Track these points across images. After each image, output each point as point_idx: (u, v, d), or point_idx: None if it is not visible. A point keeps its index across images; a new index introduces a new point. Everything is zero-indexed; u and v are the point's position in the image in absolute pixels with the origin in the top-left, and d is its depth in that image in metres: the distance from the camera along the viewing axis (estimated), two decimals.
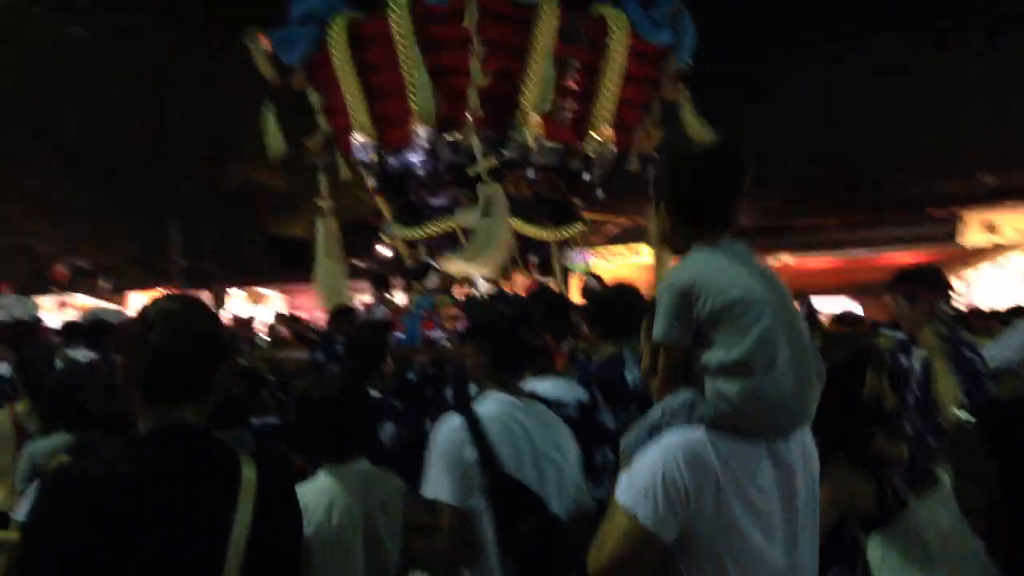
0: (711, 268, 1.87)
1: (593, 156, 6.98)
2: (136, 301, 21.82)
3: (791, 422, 1.86)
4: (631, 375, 3.28)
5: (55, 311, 22.19)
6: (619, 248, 16.84)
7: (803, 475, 1.89)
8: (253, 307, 20.40)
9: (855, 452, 2.73)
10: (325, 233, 7.13)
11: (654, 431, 1.89)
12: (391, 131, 6.81)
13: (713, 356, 1.83)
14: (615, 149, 7.11)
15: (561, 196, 7.15)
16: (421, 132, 6.44)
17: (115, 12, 16.40)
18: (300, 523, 1.93)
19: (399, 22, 6.25)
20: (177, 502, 1.66)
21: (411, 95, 6.37)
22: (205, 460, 1.75)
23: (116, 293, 22.97)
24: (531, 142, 6.39)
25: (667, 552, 1.78)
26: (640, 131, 7.28)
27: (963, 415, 3.20)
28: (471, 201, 6.40)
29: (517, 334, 2.77)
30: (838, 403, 3.24)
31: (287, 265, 17.48)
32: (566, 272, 7.27)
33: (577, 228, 7.15)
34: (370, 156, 6.96)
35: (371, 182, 7.08)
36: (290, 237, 17.20)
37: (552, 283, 6.77)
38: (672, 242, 1.99)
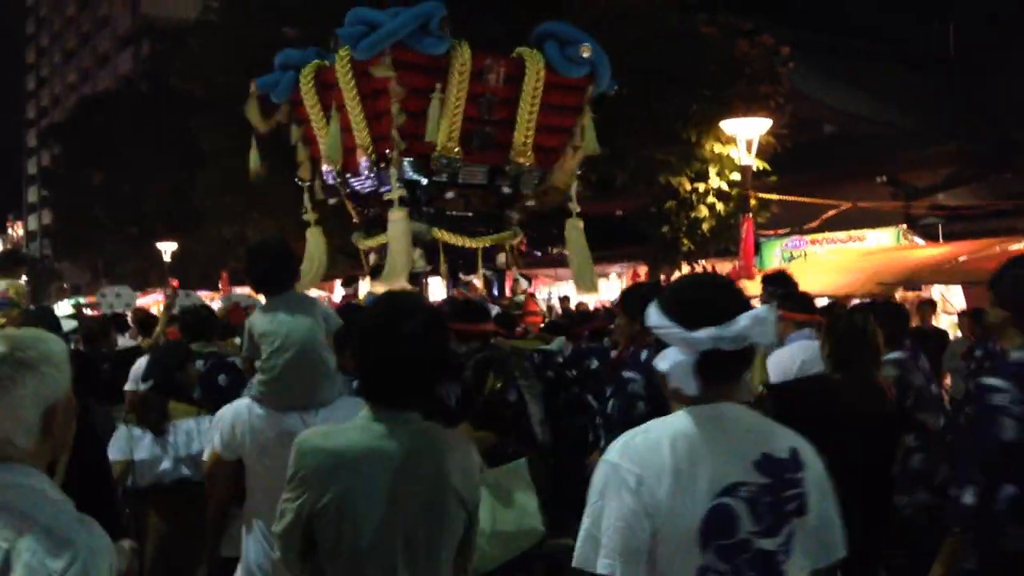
0: (264, 315, 3.48)
1: (520, 175, 8.24)
2: (339, 287, 22.86)
3: (299, 402, 3.33)
4: None
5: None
6: (838, 234, 15.45)
7: None
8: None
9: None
10: (313, 241, 8.71)
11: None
12: (352, 159, 8.30)
13: (259, 362, 3.41)
14: (537, 168, 8.36)
15: (495, 209, 8.48)
16: (364, 162, 7.92)
17: (323, 15, 17.53)
18: (101, 446, 3.52)
19: (342, 72, 7.72)
20: None
21: (356, 131, 7.86)
22: None
23: (323, 280, 24.11)
24: (454, 166, 7.74)
25: (236, 466, 3.36)
26: (565, 151, 8.51)
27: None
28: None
29: None
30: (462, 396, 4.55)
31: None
32: (502, 274, 8.59)
33: (505, 236, 8.46)
34: (335, 180, 8.48)
35: (331, 201, 8.62)
36: None
37: (475, 281, 8.16)
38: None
